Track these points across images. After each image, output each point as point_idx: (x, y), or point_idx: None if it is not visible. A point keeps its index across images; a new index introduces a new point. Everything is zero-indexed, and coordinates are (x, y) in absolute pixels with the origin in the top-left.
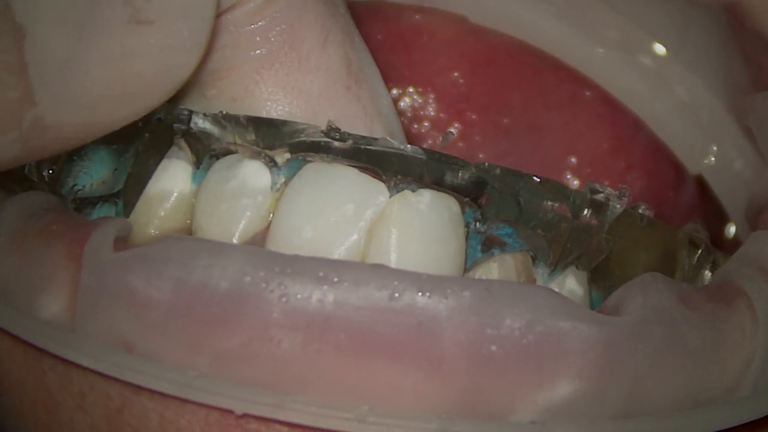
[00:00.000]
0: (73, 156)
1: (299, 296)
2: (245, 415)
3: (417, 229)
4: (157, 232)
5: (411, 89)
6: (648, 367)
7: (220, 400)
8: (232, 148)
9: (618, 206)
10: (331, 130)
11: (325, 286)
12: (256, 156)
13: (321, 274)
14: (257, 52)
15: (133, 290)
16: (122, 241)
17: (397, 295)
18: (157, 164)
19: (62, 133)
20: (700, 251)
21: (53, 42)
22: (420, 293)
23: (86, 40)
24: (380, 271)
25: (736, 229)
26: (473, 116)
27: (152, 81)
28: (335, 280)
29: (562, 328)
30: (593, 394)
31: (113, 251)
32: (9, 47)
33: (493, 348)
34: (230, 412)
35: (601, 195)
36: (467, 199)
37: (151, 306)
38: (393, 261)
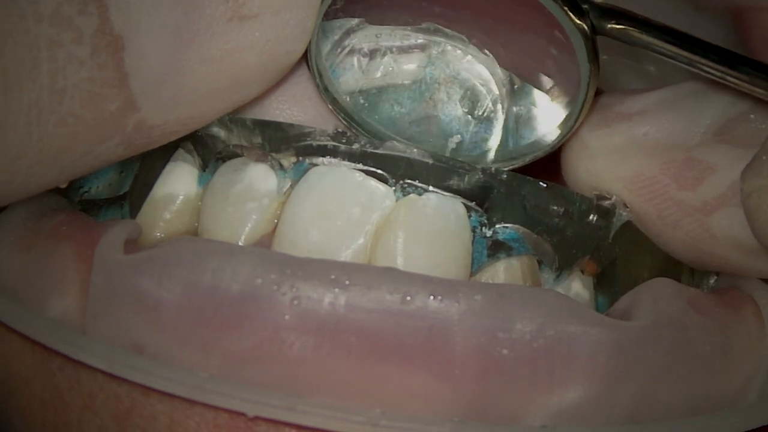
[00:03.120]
0: None
1: (311, 299)
2: (256, 418)
3: (423, 232)
4: (163, 234)
5: None
6: (657, 371)
7: (231, 403)
8: (239, 151)
9: (624, 214)
10: (338, 134)
11: (336, 289)
12: (262, 159)
13: (332, 276)
14: None
15: (144, 292)
16: (132, 244)
17: (408, 298)
18: (163, 167)
19: (168, 128)
20: None
21: (153, 50)
22: (431, 296)
23: (188, 43)
24: (391, 274)
25: None
26: None
27: (259, 71)
28: (347, 282)
29: (573, 332)
30: (603, 398)
31: (123, 253)
32: (107, 62)
33: (504, 352)
34: (241, 414)
35: (608, 202)
36: (473, 203)
37: (161, 308)
38: (399, 265)
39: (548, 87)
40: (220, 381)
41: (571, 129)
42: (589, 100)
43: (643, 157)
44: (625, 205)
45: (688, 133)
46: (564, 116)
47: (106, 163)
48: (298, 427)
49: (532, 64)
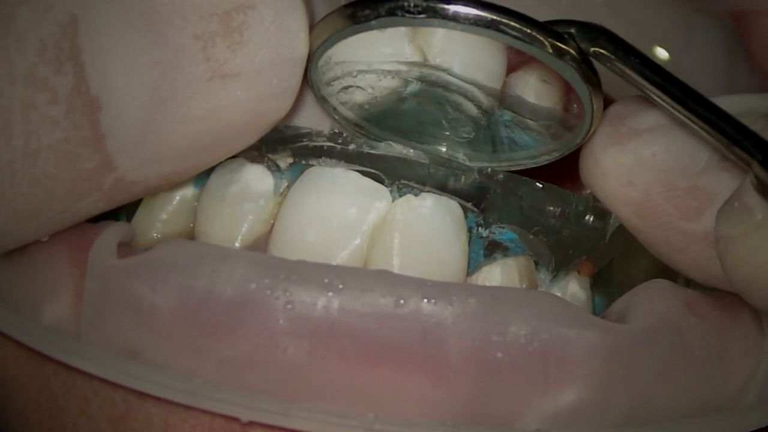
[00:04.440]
0: None
1: (304, 303)
2: (251, 423)
3: (420, 233)
4: (159, 235)
5: None
6: (653, 374)
7: (226, 408)
8: None
9: None
10: (334, 135)
11: (330, 293)
12: (258, 160)
13: (326, 280)
14: None
15: (138, 297)
16: (125, 247)
17: (402, 301)
18: None
19: (149, 183)
20: None
21: (131, 110)
22: (425, 300)
23: (167, 102)
24: (385, 277)
25: None
26: None
27: (242, 128)
28: (340, 286)
29: (568, 335)
30: (598, 401)
31: (117, 257)
32: (83, 122)
33: (499, 355)
34: (235, 419)
35: None
36: (470, 203)
37: (155, 313)
38: (396, 265)
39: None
40: (214, 386)
41: (582, 140)
42: (597, 115)
43: (649, 181)
44: None
45: (694, 157)
46: (563, 129)
47: (87, 217)
48: (293, 431)
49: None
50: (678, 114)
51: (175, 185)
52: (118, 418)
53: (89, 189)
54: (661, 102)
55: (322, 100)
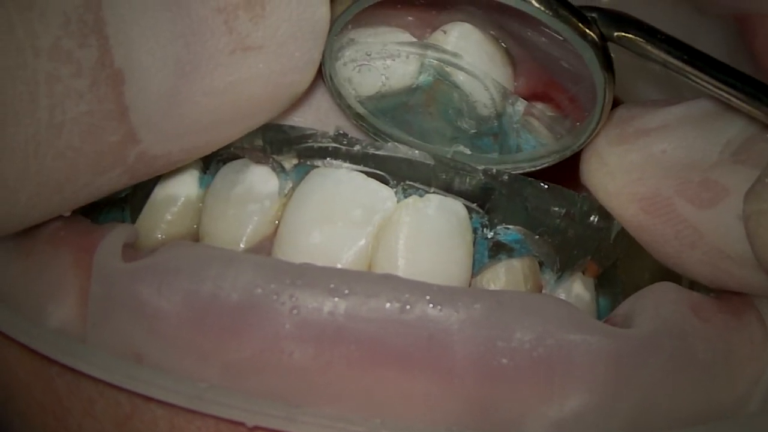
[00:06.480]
0: None
1: (310, 308)
2: (256, 428)
3: (425, 234)
4: (163, 236)
5: None
6: (658, 380)
7: (231, 412)
8: (240, 153)
9: None
10: (339, 136)
11: (336, 298)
12: (263, 161)
13: (332, 285)
14: None
15: (144, 301)
16: (130, 249)
17: (408, 307)
18: None
19: (172, 158)
20: None
21: (154, 83)
22: (431, 305)
23: (190, 75)
24: (391, 282)
25: None
26: None
27: (265, 101)
28: (346, 291)
29: (573, 341)
30: (603, 407)
31: (122, 260)
32: (107, 95)
33: (504, 361)
34: (241, 423)
35: None
36: (475, 204)
37: (161, 317)
38: (401, 266)
39: (560, 95)
40: (219, 390)
41: (588, 138)
42: (608, 108)
43: (660, 176)
44: None
45: (706, 153)
46: (572, 124)
47: (109, 192)
48: None
49: (546, 69)
50: (710, 87)
51: (194, 159)
52: (124, 419)
53: (113, 162)
54: (692, 77)
55: (331, 81)
